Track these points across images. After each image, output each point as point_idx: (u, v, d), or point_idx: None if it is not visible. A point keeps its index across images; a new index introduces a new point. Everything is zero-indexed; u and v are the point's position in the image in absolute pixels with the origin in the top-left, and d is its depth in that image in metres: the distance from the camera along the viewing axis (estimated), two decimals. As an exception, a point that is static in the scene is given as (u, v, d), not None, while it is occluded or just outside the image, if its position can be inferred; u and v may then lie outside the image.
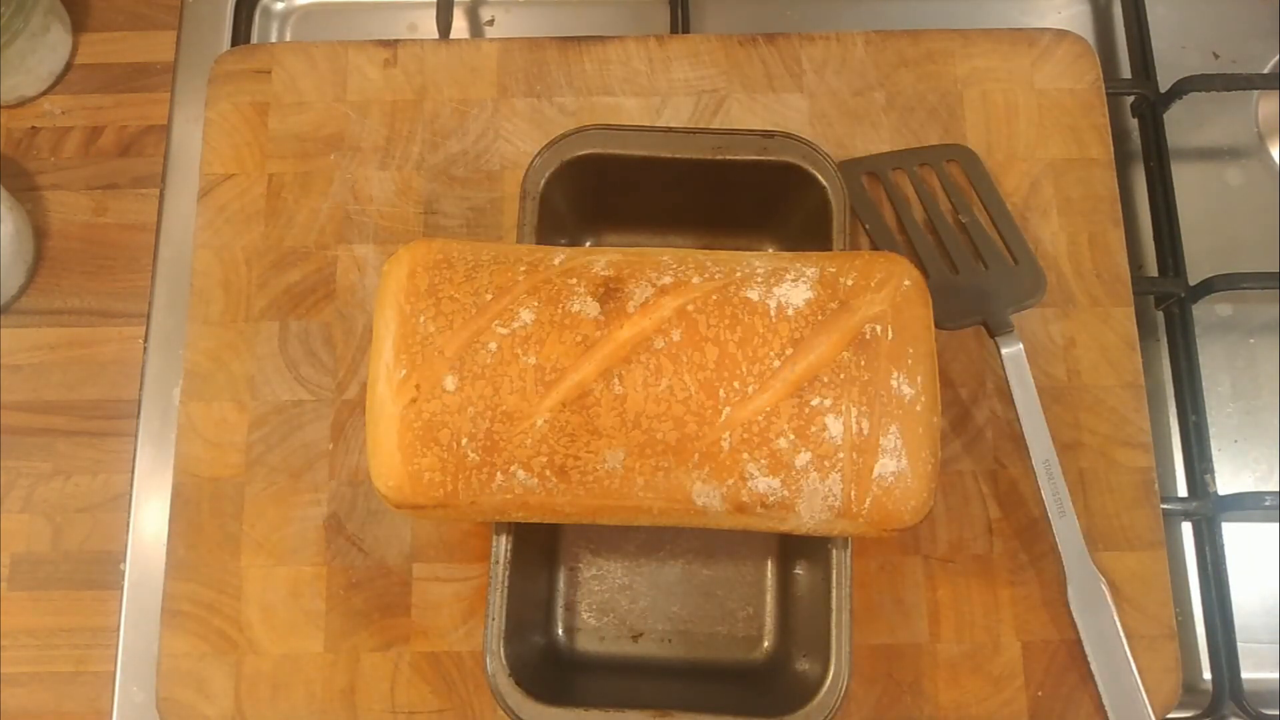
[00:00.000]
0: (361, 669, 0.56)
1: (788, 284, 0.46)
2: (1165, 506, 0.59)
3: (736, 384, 0.44)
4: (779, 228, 0.60)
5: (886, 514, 0.45)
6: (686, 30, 0.69)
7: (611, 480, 0.45)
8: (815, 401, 0.44)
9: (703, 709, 0.49)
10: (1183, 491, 0.62)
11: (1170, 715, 0.56)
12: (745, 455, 0.44)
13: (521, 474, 0.45)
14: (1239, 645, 0.59)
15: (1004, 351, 0.56)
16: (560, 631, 0.57)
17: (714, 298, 0.45)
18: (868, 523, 0.45)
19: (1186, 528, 0.62)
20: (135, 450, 0.63)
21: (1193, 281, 0.64)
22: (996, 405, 0.59)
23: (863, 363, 0.44)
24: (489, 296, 0.46)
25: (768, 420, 0.44)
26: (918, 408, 0.45)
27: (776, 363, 0.44)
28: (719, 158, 0.54)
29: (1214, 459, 0.62)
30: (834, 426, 0.44)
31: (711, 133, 0.54)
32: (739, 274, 0.46)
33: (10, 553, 0.63)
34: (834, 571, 0.49)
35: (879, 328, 0.45)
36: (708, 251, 0.49)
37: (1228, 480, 0.63)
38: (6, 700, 0.61)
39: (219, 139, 0.64)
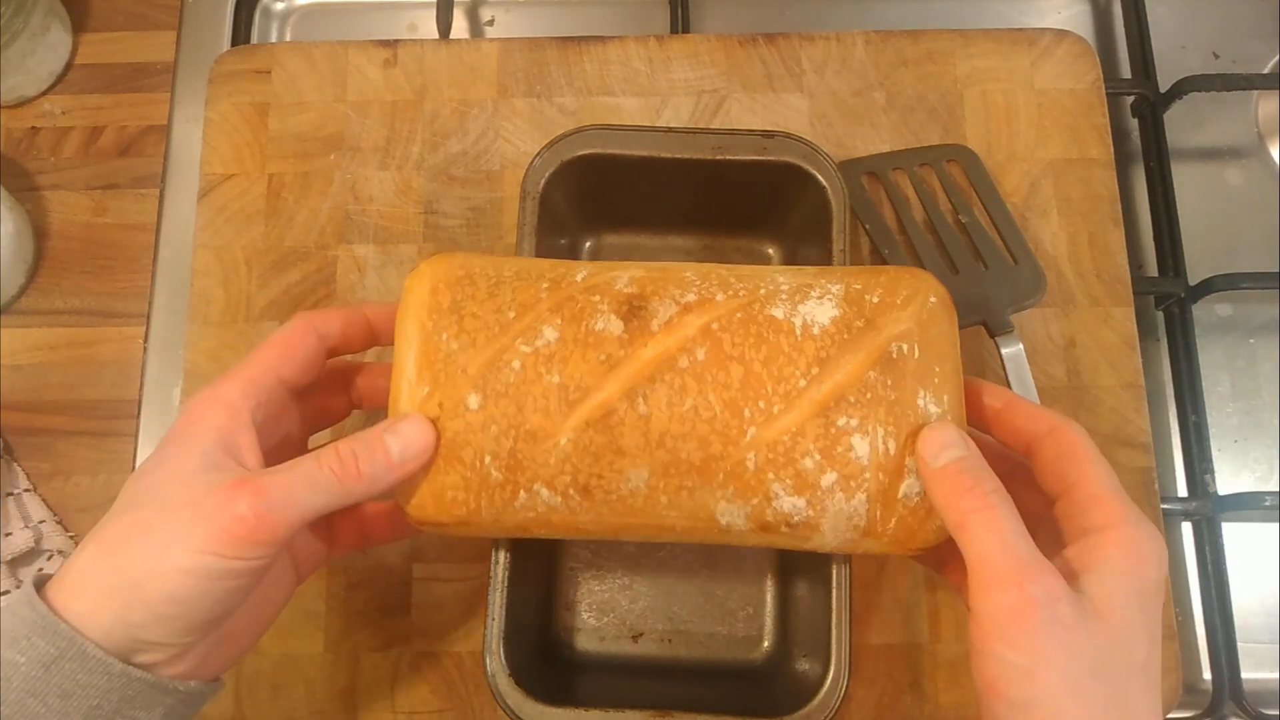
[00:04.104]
0: (361, 669, 0.56)
1: (813, 301, 0.45)
2: (1165, 506, 0.59)
3: (762, 404, 0.43)
4: (779, 227, 0.60)
5: (911, 534, 0.44)
6: (686, 30, 0.69)
7: (635, 499, 0.44)
8: (841, 421, 0.43)
9: (703, 709, 0.48)
10: (1183, 491, 0.62)
11: (1170, 715, 0.56)
12: (770, 475, 0.44)
13: (545, 492, 0.44)
14: (1239, 645, 0.59)
15: (1004, 351, 0.56)
16: (560, 631, 0.57)
17: (738, 316, 0.45)
18: (891, 542, 0.45)
19: (1186, 528, 0.62)
20: (135, 450, 0.63)
21: (1193, 281, 0.64)
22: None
23: (889, 382, 0.44)
24: (512, 314, 0.45)
25: (793, 440, 0.43)
26: None
27: (802, 382, 0.44)
28: (719, 158, 0.54)
29: (1214, 459, 0.62)
30: (860, 447, 0.43)
31: (711, 133, 0.54)
32: (763, 291, 0.46)
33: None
34: (834, 572, 0.49)
35: (905, 346, 0.44)
36: (730, 267, 0.48)
37: (1228, 480, 0.63)
38: (6, 700, 0.61)
39: (219, 139, 0.64)
